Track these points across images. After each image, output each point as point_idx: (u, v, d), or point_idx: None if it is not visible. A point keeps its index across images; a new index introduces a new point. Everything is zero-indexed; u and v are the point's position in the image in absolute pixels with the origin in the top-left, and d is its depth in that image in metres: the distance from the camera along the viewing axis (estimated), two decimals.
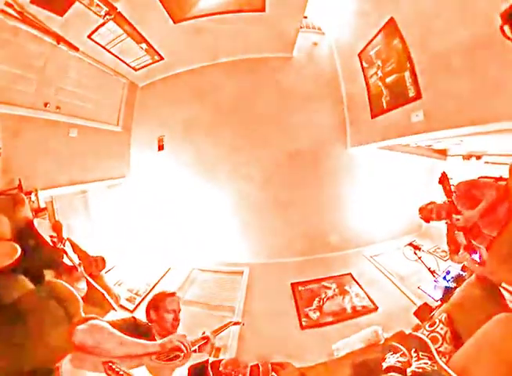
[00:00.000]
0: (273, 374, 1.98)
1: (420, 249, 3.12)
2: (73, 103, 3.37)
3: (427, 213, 2.20)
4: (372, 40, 3.29)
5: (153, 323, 1.62)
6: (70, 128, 3.29)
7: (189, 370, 1.21)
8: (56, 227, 2.33)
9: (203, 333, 1.62)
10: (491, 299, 1.83)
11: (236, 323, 2.03)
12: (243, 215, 4.36)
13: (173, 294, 1.76)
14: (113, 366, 0.94)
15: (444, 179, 1.96)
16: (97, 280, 2.38)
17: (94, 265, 2.43)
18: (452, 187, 2.00)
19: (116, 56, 3.69)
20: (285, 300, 3.38)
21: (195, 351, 1.47)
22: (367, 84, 3.65)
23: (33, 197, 2.35)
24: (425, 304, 2.58)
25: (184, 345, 1.19)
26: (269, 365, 2.04)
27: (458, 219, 1.90)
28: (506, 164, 2.36)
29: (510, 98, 1.85)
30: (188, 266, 4.08)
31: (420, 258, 3.03)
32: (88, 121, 3.65)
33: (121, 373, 0.94)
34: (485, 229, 1.94)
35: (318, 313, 3.12)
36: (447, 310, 2.00)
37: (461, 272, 2.62)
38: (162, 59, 4.07)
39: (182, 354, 1.19)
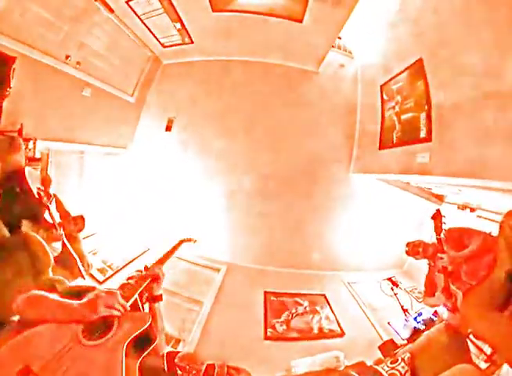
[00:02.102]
0: None
1: (397, 286, 3.14)
2: (93, 63, 3.32)
3: (414, 248, 2.22)
4: (397, 75, 3.35)
5: None
6: (85, 87, 3.23)
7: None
8: (46, 181, 2.27)
9: (146, 268, 1.24)
10: (456, 349, 1.84)
11: (188, 240, 1.79)
12: (233, 214, 4.34)
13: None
14: None
15: (437, 216, 1.98)
16: (73, 243, 2.32)
17: (73, 223, 2.38)
18: (443, 228, 2.03)
19: (148, 28, 3.67)
20: (255, 307, 3.35)
21: (141, 297, 1.14)
22: (383, 115, 3.72)
23: (30, 145, 2.29)
24: (391, 340, 2.58)
25: (116, 309, 0.88)
26: (225, 367, 1.99)
27: (442, 258, 1.91)
28: (497, 221, 2.43)
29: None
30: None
31: (395, 294, 3.04)
32: (104, 84, 3.59)
33: None
34: (466, 277, 1.96)
35: (284, 327, 3.09)
36: (411, 351, 2.01)
37: (432, 317, 2.64)
38: (192, 42, 4.07)
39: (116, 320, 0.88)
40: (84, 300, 0.87)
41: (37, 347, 0.73)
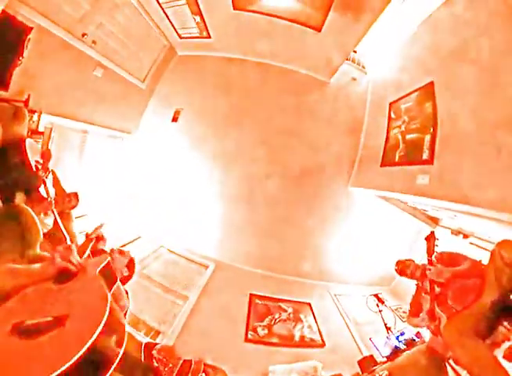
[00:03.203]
0: (203, 374, 1.92)
1: (383, 303, 3.14)
2: (109, 44, 3.30)
3: (403, 267, 2.22)
4: (407, 95, 3.39)
5: None
6: (97, 67, 3.21)
7: None
8: (45, 155, 2.23)
9: (88, 235, 1.58)
10: (434, 372, 1.84)
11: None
12: (229, 213, 4.32)
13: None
14: None
15: (431, 238, 1.99)
16: (65, 221, 2.28)
17: (67, 200, 2.34)
18: (435, 251, 2.03)
19: (167, 17, 3.68)
20: (239, 307, 3.32)
21: (89, 257, 1.41)
22: (388, 133, 3.75)
23: (35, 118, 2.25)
24: (371, 356, 2.57)
25: (71, 262, 1.00)
26: (202, 365, 1.97)
27: (430, 269, 1.91)
28: (489, 250, 2.45)
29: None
30: (158, 242, 3.97)
31: (380, 311, 3.04)
32: (117, 67, 3.57)
33: None
34: (452, 301, 1.96)
35: (266, 331, 3.06)
36: (389, 369, 2.00)
37: (414, 338, 2.64)
38: (209, 37, 4.08)
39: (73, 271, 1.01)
40: (45, 261, 1.02)
41: (18, 308, 0.84)
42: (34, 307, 0.84)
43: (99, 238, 1.49)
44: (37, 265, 0.98)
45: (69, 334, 0.76)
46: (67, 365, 0.67)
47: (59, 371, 0.66)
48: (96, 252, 1.64)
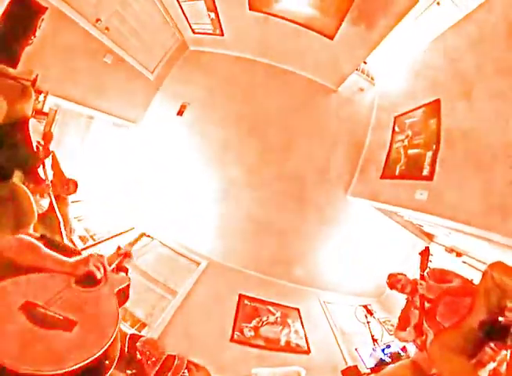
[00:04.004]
0: (185, 371, 1.90)
1: (371, 314, 3.15)
2: (122, 32, 3.29)
3: (394, 281, 2.23)
4: (412, 110, 3.42)
5: None
6: (107, 53, 3.20)
7: None
8: (47, 136, 2.21)
9: (119, 248, 1.59)
10: None
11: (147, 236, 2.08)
12: (225, 212, 4.31)
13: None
14: None
15: (425, 253, 2.00)
16: (60, 204, 2.26)
17: (65, 186, 2.33)
18: (428, 266, 2.04)
19: (183, 11, 3.68)
20: (227, 307, 3.30)
21: (113, 271, 1.42)
22: (390, 146, 3.77)
23: (41, 98, 2.24)
24: (355, 366, 2.57)
25: (99, 270, 1.06)
26: (185, 361, 1.95)
27: (421, 284, 1.92)
28: (481, 270, 2.46)
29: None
30: (151, 234, 3.93)
31: (368, 322, 3.05)
32: (128, 56, 3.57)
33: None
34: (440, 317, 1.97)
35: (252, 333, 3.04)
36: None
37: (400, 352, 2.64)
38: (222, 35, 4.09)
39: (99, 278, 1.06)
40: (79, 257, 1.06)
41: (36, 288, 0.86)
42: (51, 296, 0.84)
43: (128, 255, 1.55)
44: (70, 259, 1.03)
45: (71, 342, 0.74)
46: (57, 372, 0.65)
47: (45, 372, 0.64)
48: (119, 268, 1.67)
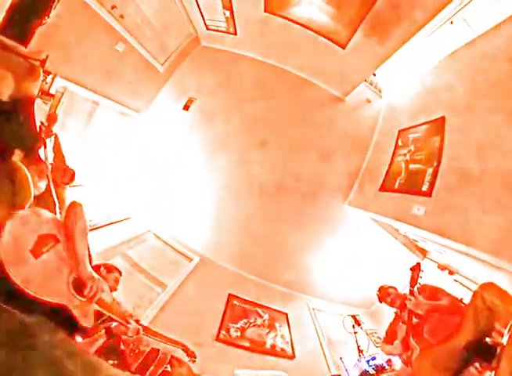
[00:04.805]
0: (168, 365, 1.89)
1: (359, 325, 3.14)
2: (136, 21, 3.30)
3: (384, 294, 2.23)
4: (417, 126, 3.43)
5: None
6: (120, 41, 3.20)
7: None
8: (51, 118, 2.20)
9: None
10: None
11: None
12: (222, 210, 4.29)
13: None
14: None
15: (416, 268, 2.00)
16: (58, 187, 2.24)
17: (62, 174, 2.30)
18: (419, 282, 2.04)
19: (198, 6, 3.69)
20: (215, 305, 3.28)
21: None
22: (392, 159, 3.78)
23: (48, 79, 2.22)
24: (339, 375, 2.56)
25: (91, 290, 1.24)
26: (169, 356, 1.94)
27: (410, 299, 1.92)
28: (471, 290, 2.46)
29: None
30: (146, 225, 3.92)
31: (355, 332, 3.04)
32: (139, 45, 3.56)
33: None
34: (427, 334, 1.97)
35: (238, 333, 3.02)
36: None
37: (385, 365, 2.63)
38: (235, 34, 4.10)
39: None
40: (93, 271, 1.30)
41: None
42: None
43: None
44: (85, 255, 1.29)
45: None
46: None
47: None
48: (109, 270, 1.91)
